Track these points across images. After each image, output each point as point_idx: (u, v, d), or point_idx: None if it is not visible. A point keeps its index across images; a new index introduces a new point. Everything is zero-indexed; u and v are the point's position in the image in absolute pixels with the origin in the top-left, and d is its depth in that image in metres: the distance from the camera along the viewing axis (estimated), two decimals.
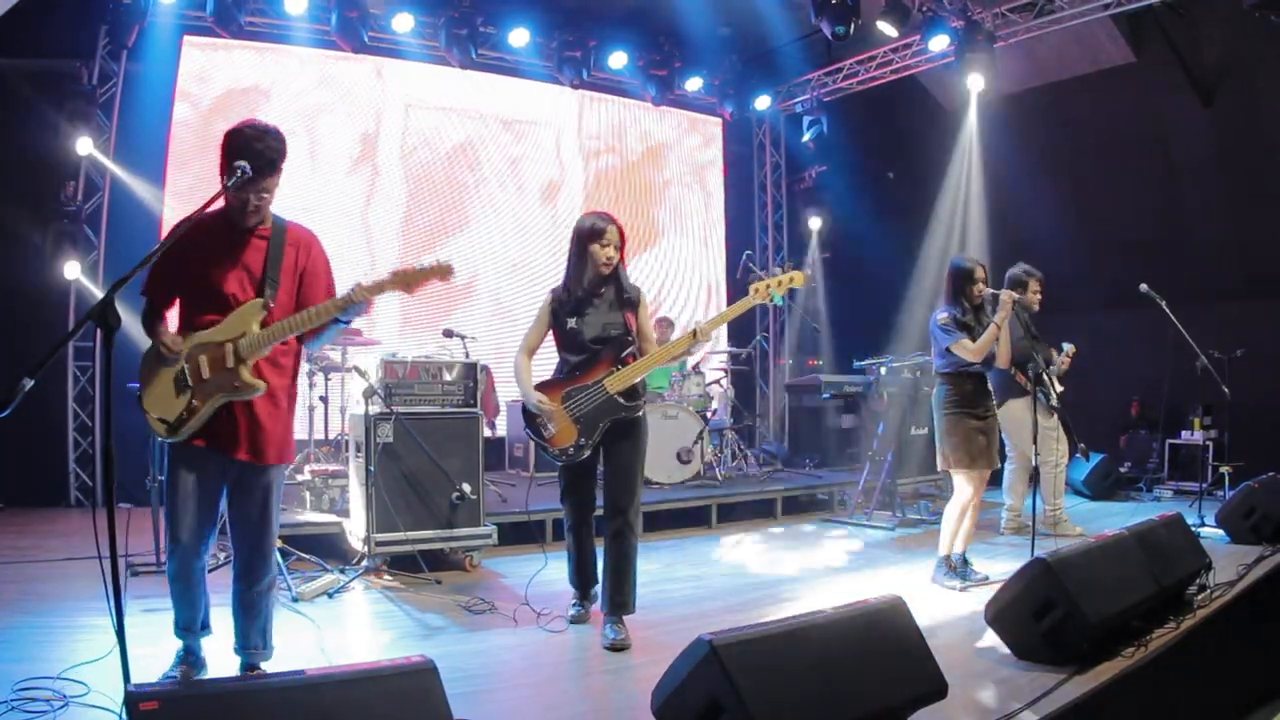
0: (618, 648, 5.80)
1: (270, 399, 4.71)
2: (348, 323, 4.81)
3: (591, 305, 6.07)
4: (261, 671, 4.84)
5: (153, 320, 4.67)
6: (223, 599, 4.95)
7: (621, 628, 5.95)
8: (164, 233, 10.01)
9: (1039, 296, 9.12)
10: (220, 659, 4.96)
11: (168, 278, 4.64)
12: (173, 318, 4.74)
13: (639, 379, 6.04)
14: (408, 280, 4.76)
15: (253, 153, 4.41)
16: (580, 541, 6.41)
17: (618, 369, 5.98)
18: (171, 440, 4.58)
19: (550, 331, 6.26)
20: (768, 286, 5.99)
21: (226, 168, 4.39)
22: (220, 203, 4.49)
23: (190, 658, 4.88)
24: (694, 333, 6.04)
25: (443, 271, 4.83)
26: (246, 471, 4.69)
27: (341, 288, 4.75)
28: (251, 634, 4.84)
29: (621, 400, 5.98)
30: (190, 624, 4.82)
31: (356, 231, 12.64)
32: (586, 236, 6.03)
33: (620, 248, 6.08)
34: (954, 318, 7.24)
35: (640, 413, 6.11)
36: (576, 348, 6.10)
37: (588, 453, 6.02)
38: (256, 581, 4.80)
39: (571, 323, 6.06)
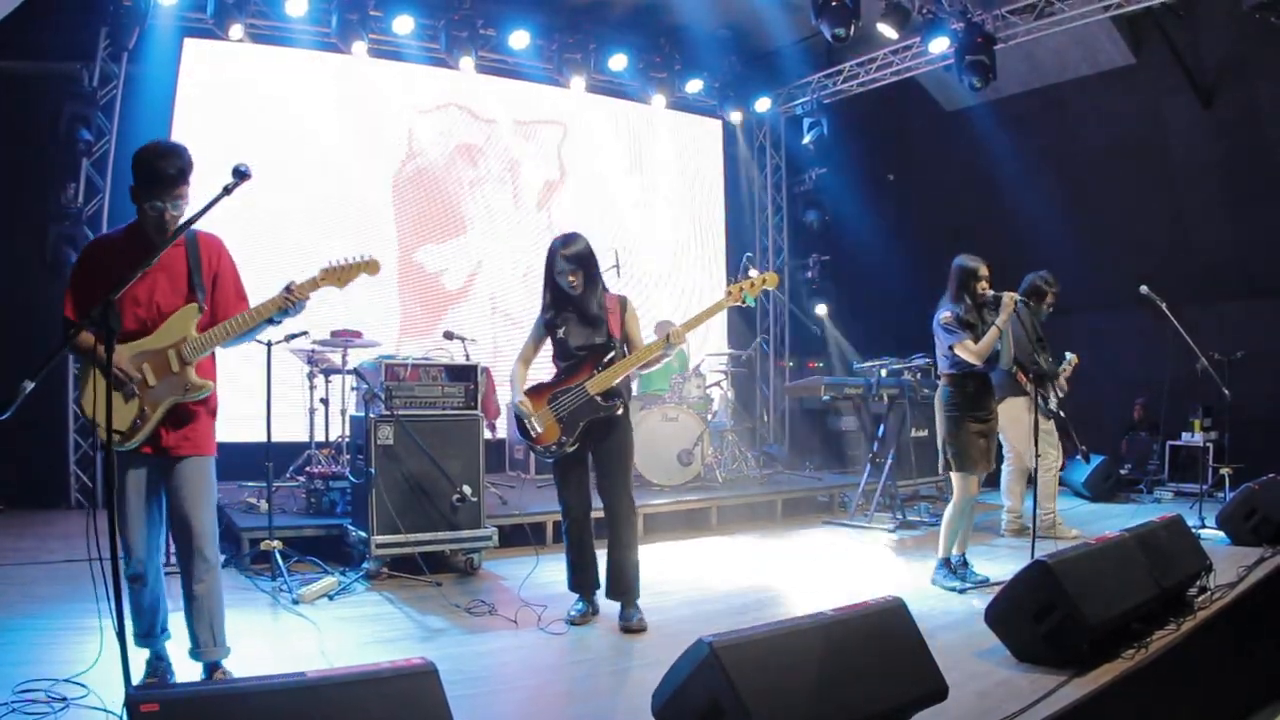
0: (635, 629, 6.18)
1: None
2: (279, 322, 4.87)
3: (573, 317, 6.44)
4: (224, 672, 4.90)
5: (84, 340, 4.57)
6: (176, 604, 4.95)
7: (634, 610, 6.30)
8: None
9: (1050, 309, 9.20)
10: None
11: (94, 295, 4.57)
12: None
13: (618, 381, 6.34)
14: (339, 276, 4.94)
15: (165, 166, 4.59)
16: (578, 542, 6.56)
17: (598, 372, 6.32)
18: (120, 450, 4.61)
19: (548, 340, 6.61)
20: (740, 289, 6.30)
21: (145, 187, 4.59)
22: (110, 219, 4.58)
23: (160, 664, 4.93)
24: (667, 337, 6.24)
25: (370, 266, 5.02)
26: (178, 465, 4.76)
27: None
28: (199, 631, 4.81)
29: (600, 400, 6.32)
30: (151, 629, 4.88)
31: (352, 232, 12.60)
32: (548, 260, 6.44)
33: (579, 268, 6.35)
34: (957, 316, 7.25)
35: (619, 411, 6.42)
36: (565, 355, 6.51)
37: (570, 449, 6.35)
38: (197, 574, 4.81)
39: (560, 333, 6.45)
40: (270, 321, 4.84)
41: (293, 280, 4.81)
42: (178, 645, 4.96)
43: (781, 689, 3.75)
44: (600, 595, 6.57)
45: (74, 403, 10.76)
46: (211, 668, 4.88)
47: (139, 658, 4.84)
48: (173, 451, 4.74)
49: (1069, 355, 9.58)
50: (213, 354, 4.98)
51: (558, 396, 6.36)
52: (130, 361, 4.60)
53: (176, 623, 4.97)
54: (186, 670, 4.94)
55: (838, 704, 3.88)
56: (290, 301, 4.75)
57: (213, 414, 4.97)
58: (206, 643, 4.83)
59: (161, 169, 4.56)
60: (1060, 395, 9.22)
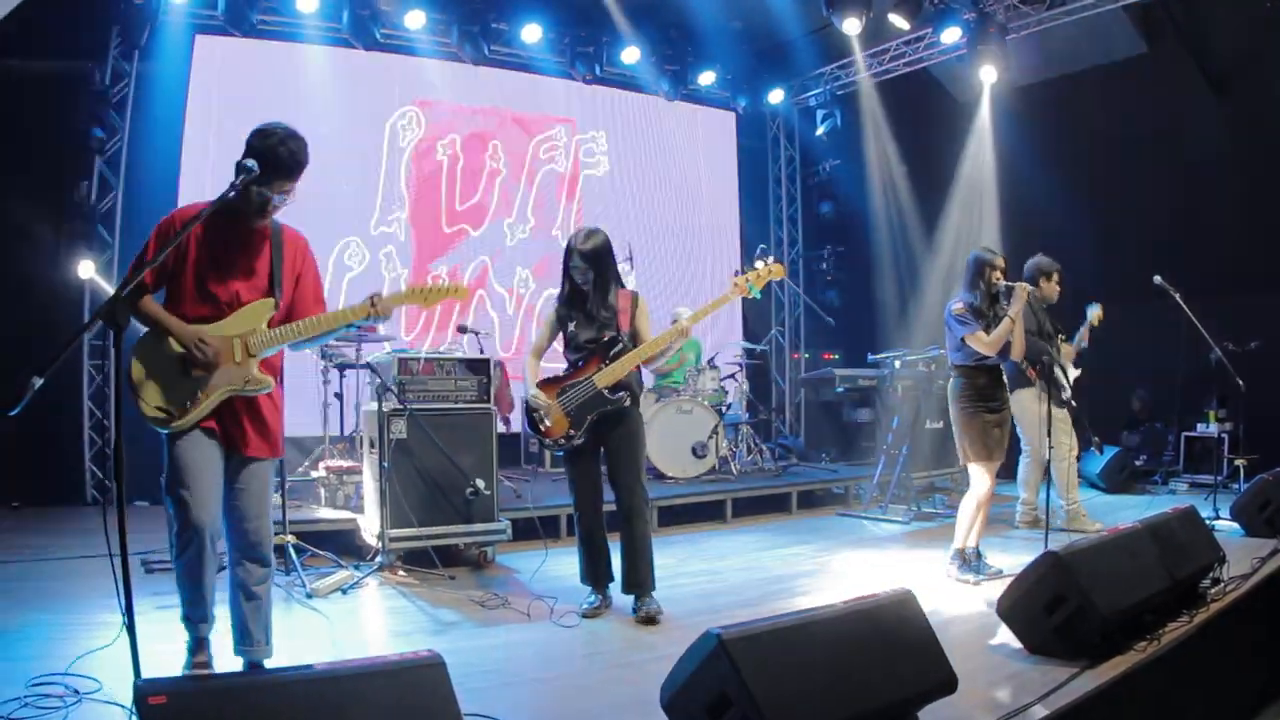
0: (649, 619, 6.21)
1: (268, 395, 4.80)
2: (355, 329, 4.85)
3: (586, 311, 6.48)
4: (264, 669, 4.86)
5: (153, 307, 4.62)
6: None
7: (649, 600, 6.32)
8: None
9: (1059, 288, 9.14)
10: (222, 662, 4.96)
11: (167, 266, 4.58)
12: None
13: (625, 374, 6.39)
14: (425, 296, 4.99)
15: (288, 151, 4.57)
16: (591, 535, 6.62)
17: (605, 366, 6.36)
18: (171, 430, 4.59)
19: (559, 334, 6.67)
20: (746, 280, 6.43)
21: (265, 170, 4.45)
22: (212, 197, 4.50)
23: (205, 648, 4.87)
24: (666, 335, 6.33)
25: (459, 292, 5.10)
26: (246, 465, 4.75)
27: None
28: (254, 630, 4.83)
29: (606, 394, 6.38)
30: (205, 614, 4.80)
31: (366, 227, 12.67)
32: (565, 253, 6.52)
33: (591, 265, 6.43)
34: (969, 305, 7.24)
35: (626, 404, 6.47)
36: (574, 348, 6.57)
37: (579, 442, 6.41)
38: (257, 576, 4.83)
39: (571, 326, 6.52)
40: (348, 327, 4.90)
41: (378, 292, 4.85)
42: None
43: (790, 680, 3.75)
44: (614, 588, 6.60)
45: (87, 399, 10.82)
46: (254, 665, 4.87)
47: (181, 647, 4.87)
48: (246, 449, 4.74)
49: (1093, 307, 9.47)
50: (281, 354, 4.99)
51: (566, 390, 6.42)
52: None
53: None
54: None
55: (846, 695, 3.88)
56: (373, 313, 4.79)
57: (282, 417, 4.98)
58: (260, 641, 4.86)
59: (282, 156, 4.56)
60: (1071, 387, 9.16)
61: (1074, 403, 8.96)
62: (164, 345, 4.58)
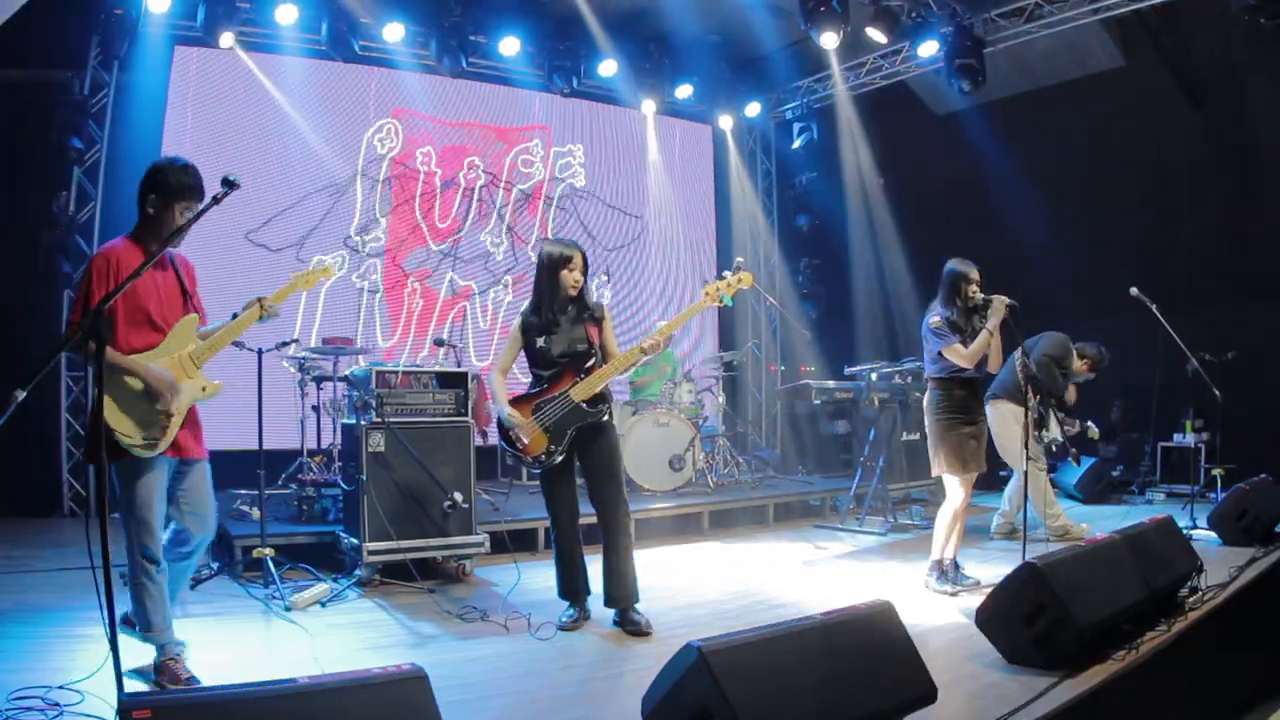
0: (641, 631, 6.25)
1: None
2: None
3: (559, 324, 6.46)
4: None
5: (119, 356, 4.82)
6: None
7: (636, 612, 6.37)
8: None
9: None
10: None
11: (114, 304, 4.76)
12: None
13: (601, 387, 6.41)
14: (306, 279, 5.58)
15: (196, 180, 5.03)
16: (567, 551, 6.60)
17: (581, 379, 6.36)
18: (155, 454, 4.83)
19: (521, 350, 6.63)
20: (717, 289, 6.42)
21: (164, 198, 4.92)
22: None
23: (176, 648, 5.05)
24: (640, 347, 6.35)
25: (328, 270, 5.81)
26: (193, 468, 5.10)
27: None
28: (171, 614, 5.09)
29: (586, 407, 6.38)
30: (168, 620, 5.01)
31: (345, 239, 12.64)
32: (557, 263, 6.43)
33: (581, 275, 6.46)
34: (946, 319, 7.24)
35: (605, 417, 6.47)
36: (545, 363, 6.50)
37: (559, 458, 6.39)
38: (198, 557, 5.31)
39: (540, 341, 6.46)
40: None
41: (261, 296, 5.28)
42: None
43: (770, 693, 3.76)
44: (591, 601, 6.62)
45: (65, 411, 10.77)
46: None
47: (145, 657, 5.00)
48: (190, 454, 5.04)
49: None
50: None
51: (542, 406, 6.40)
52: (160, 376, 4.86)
53: None
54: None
55: (826, 707, 3.89)
56: (264, 313, 5.19)
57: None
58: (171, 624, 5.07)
59: (189, 183, 4.97)
60: (1066, 426, 9.21)
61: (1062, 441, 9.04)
62: (124, 379, 4.79)
